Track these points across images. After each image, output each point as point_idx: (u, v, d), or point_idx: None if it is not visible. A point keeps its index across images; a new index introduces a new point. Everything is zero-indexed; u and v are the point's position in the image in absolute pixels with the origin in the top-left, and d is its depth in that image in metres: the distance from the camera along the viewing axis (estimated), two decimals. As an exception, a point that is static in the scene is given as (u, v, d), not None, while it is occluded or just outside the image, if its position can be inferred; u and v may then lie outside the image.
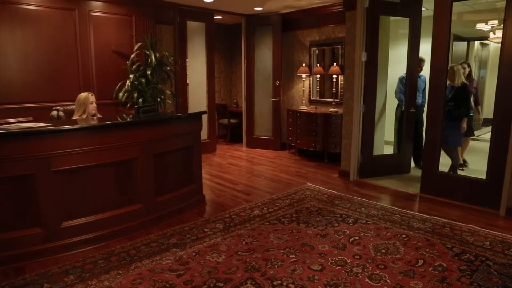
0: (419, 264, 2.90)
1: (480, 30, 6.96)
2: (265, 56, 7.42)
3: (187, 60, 6.71)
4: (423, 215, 3.91)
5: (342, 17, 5.71)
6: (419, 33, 5.27)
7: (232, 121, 8.14)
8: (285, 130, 7.44)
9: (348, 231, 3.51)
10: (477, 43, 8.20)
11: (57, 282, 2.69)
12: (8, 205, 2.91)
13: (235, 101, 8.86)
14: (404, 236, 3.40)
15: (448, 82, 4.68)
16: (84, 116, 3.90)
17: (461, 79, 4.90)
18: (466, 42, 7.66)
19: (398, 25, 6.79)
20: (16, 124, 3.26)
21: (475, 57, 8.17)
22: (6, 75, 4.68)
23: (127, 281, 2.70)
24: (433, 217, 3.84)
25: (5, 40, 4.65)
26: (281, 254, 3.08)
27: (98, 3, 5.36)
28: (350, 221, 3.76)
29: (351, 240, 3.33)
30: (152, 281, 2.69)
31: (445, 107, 4.54)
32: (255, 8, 6.82)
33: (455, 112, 4.91)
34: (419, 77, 5.58)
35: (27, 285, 2.65)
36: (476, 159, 5.97)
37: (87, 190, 3.24)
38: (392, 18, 5.73)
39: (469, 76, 5.13)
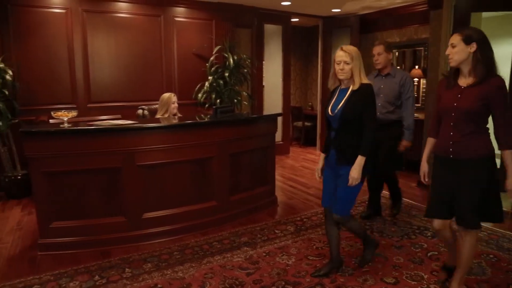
0: (510, 288, 2.60)
1: None
2: (342, 59, 7.24)
3: (263, 62, 6.81)
4: (516, 234, 3.51)
5: (426, 16, 5.37)
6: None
7: (307, 124, 8.08)
8: (360, 134, 7.18)
9: (426, 245, 3.28)
10: None
11: (137, 268, 2.89)
12: (98, 194, 3.22)
13: (310, 103, 8.79)
14: (491, 256, 3.08)
15: (330, 83, 2.69)
16: (166, 115, 4.13)
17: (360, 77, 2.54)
18: None
19: (491, 23, 6.20)
20: (107, 121, 3.56)
21: None
22: (100, 77, 5.20)
23: (199, 274, 2.80)
24: (528, 237, 3.43)
25: (101, 46, 5.17)
26: (353, 262, 2.97)
27: (182, 9, 5.69)
28: (429, 234, 3.51)
29: (429, 254, 3.10)
30: (223, 277, 2.76)
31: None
32: (333, 10, 6.70)
33: (342, 140, 2.59)
34: (386, 75, 3.72)
35: (111, 268, 2.89)
36: None
37: (167, 185, 3.43)
38: (484, 15, 5.20)
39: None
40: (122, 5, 5.28)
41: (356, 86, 2.51)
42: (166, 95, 4.19)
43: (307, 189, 5.00)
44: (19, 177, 4.62)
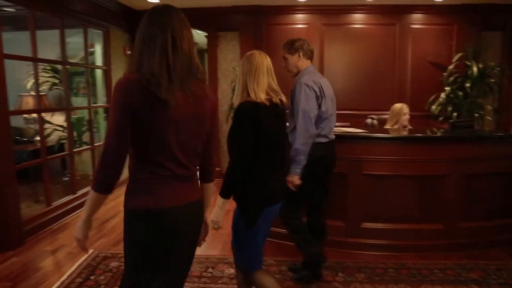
0: None
1: None
2: None
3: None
4: None
5: None
6: None
7: None
8: None
9: None
10: None
11: (350, 275, 2.93)
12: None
13: None
14: None
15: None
16: (395, 127, 4.00)
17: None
18: None
19: None
20: (338, 128, 3.73)
21: None
22: (332, 86, 5.42)
23: (418, 300, 2.60)
24: None
25: (335, 56, 5.54)
26: None
27: (419, 15, 5.42)
28: None
29: None
30: (446, 311, 2.47)
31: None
32: None
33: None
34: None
35: (325, 268, 2.99)
36: None
37: (390, 198, 3.33)
38: None
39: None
40: (358, 16, 5.47)
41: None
42: (398, 105, 4.07)
43: None
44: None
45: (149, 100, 1.33)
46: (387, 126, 4.07)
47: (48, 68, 5.18)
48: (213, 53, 5.75)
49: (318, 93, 2.61)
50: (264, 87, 1.99)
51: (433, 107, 5.15)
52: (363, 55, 5.47)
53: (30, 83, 4.94)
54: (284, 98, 2.10)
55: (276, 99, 2.03)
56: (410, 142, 3.34)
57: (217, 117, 1.61)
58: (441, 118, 5.11)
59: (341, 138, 3.29)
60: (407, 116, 4.00)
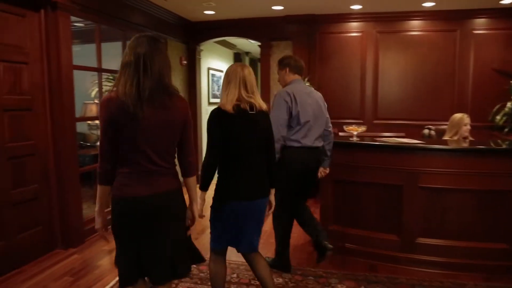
0: None
1: None
2: None
3: None
4: None
5: None
6: None
7: None
8: None
9: None
10: None
11: (405, 293, 2.79)
12: (375, 208, 3.32)
13: None
14: None
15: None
16: (455, 138, 3.80)
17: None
18: None
19: None
20: (392, 138, 3.61)
21: None
22: (387, 95, 5.39)
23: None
24: None
25: (390, 64, 5.38)
26: None
27: (482, 20, 5.14)
28: None
29: None
30: None
31: None
32: None
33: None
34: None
35: (377, 283, 2.91)
36: None
37: (447, 213, 3.15)
38: None
39: None
40: (415, 23, 5.30)
41: None
42: (458, 115, 3.86)
43: None
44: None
45: (123, 113, 1.67)
46: (446, 137, 3.87)
47: (110, 77, 5.52)
48: (266, 62, 5.81)
49: (289, 101, 2.86)
50: (234, 97, 2.17)
51: (498, 117, 4.82)
52: (420, 62, 5.28)
53: (94, 91, 5.27)
54: (258, 104, 2.22)
55: (244, 105, 2.17)
56: (472, 154, 3.14)
57: (189, 123, 1.91)
58: (506, 130, 4.76)
59: (396, 148, 3.21)
60: (468, 127, 3.79)
